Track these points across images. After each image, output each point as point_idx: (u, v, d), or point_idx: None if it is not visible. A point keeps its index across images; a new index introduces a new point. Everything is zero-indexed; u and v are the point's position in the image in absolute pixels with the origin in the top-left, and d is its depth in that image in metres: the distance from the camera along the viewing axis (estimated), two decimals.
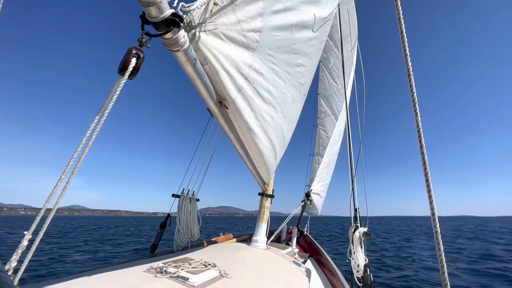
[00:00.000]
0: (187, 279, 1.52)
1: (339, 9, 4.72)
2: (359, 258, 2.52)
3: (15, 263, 0.95)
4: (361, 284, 2.42)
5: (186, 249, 3.06)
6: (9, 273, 0.92)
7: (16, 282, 0.97)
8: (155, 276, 1.53)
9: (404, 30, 1.27)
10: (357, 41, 6.38)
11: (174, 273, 1.57)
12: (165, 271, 1.60)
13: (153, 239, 3.22)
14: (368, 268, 2.45)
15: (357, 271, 2.48)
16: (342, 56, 4.55)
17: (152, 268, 1.65)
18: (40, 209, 0.97)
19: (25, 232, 0.98)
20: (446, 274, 1.05)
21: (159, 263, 1.75)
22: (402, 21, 1.30)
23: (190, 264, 1.78)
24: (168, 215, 3.43)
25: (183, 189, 3.29)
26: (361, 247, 2.59)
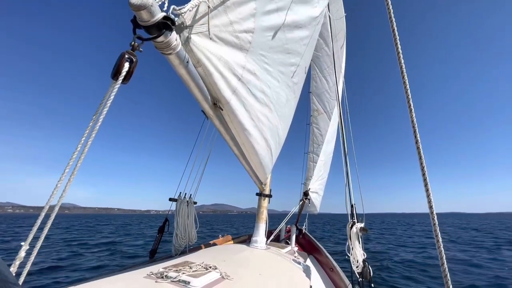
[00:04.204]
0: (189, 283, 1.51)
1: (328, 7, 4.77)
2: (358, 253, 2.54)
3: (13, 275, 0.93)
4: (361, 279, 2.45)
5: (184, 253, 3.04)
6: None
7: None
8: (156, 282, 1.51)
9: (395, 29, 1.29)
10: (345, 39, 6.44)
11: (175, 278, 1.56)
12: (166, 276, 1.59)
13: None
14: (367, 263, 2.48)
15: (357, 266, 2.51)
16: (333, 54, 4.60)
17: (152, 274, 1.63)
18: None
19: (22, 243, 0.96)
20: (445, 265, 1.08)
21: (160, 268, 1.73)
22: (393, 19, 1.32)
23: (190, 268, 1.77)
24: (166, 219, 3.39)
25: (180, 192, 3.26)
26: (359, 243, 2.61)
